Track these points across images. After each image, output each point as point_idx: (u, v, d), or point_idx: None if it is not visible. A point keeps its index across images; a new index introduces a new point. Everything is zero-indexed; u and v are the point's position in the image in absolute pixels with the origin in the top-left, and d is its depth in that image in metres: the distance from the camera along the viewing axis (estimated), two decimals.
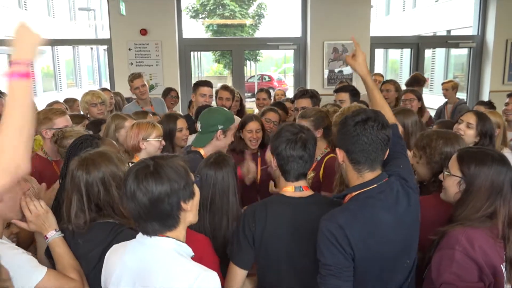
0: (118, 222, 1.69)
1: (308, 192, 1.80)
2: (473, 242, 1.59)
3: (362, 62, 1.97)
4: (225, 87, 4.22)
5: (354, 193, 1.61)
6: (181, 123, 3.13)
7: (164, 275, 1.31)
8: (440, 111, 5.41)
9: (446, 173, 1.80)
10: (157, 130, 2.69)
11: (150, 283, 1.32)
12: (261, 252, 1.72)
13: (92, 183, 1.66)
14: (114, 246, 1.52)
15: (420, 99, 4.11)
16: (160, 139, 2.69)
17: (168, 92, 5.20)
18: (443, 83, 5.44)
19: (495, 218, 1.64)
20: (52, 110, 2.83)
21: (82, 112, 4.03)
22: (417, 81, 5.09)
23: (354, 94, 3.74)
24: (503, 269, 1.62)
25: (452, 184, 1.76)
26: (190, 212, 1.40)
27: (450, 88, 5.27)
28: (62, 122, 2.77)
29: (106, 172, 1.68)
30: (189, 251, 1.40)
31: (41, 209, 1.67)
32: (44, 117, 2.75)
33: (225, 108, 2.83)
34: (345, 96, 3.72)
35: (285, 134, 1.78)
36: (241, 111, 4.56)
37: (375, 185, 1.58)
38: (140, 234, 1.41)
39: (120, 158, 1.82)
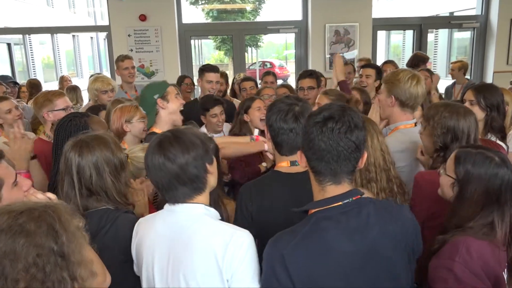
0: (113, 207, 1.66)
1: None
2: (471, 252, 1.43)
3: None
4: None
5: (313, 210, 1.31)
6: None
7: (201, 235, 1.36)
8: (447, 91, 5.35)
9: (441, 171, 1.66)
10: (141, 112, 2.66)
11: (185, 246, 1.36)
12: (259, 230, 1.69)
13: (84, 167, 1.63)
14: (143, 219, 1.56)
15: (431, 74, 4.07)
16: (144, 120, 2.67)
17: (182, 79, 4.93)
18: (452, 63, 5.40)
19: (494, 230, 1.48)
20: (51, 92, 2.85)
21: (90, 99, 3.97)
22: (421, 60, 4.99)
23: (379, 72, 3.81)
24: (505, 276, 1.51)
25: (447, 184, 1.61)
26: (212, 176, 1.46)
27: (456, 68, 5.24)
28: (62, 103, 2.78)
29: (100, 156, 1.65)
30: (217, 214, 1.46)
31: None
32: (44, 99, 2.75)
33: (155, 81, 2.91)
34: (371, 71, 3.84)
35: (279, 105, 1.71)
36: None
37: (340, 202, 1.27)
38: (167, 205, 1.45)
39: (117, 143, 1.79)
